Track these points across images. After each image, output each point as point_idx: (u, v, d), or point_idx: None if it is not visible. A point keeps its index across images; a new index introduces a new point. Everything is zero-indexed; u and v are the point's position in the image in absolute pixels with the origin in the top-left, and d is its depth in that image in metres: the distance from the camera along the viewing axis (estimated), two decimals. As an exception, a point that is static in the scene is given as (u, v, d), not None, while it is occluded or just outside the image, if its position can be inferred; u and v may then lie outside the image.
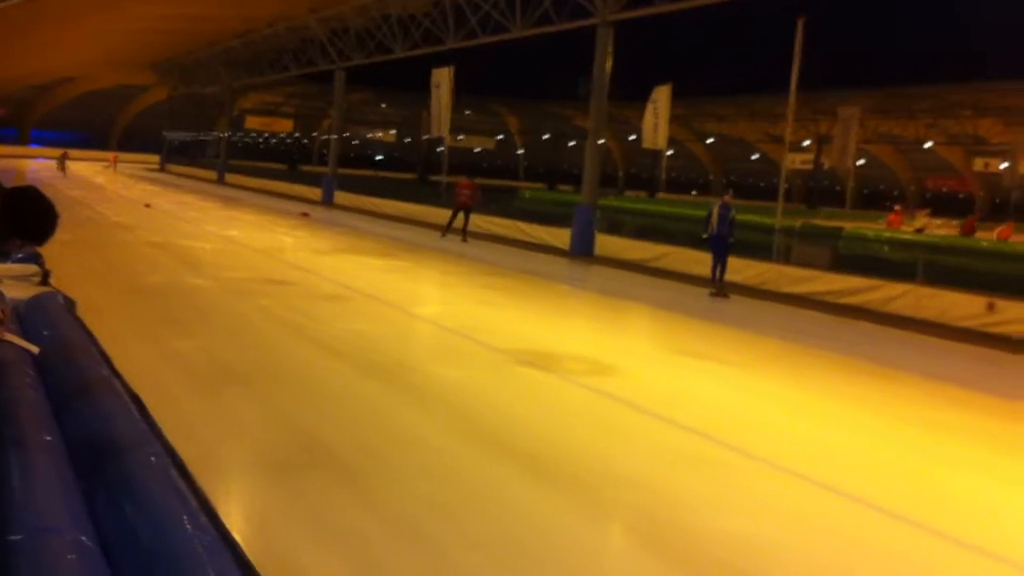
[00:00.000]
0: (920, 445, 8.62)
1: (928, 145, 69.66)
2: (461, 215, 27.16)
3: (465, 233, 26.62)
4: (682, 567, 5.38)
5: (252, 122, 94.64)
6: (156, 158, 77.03)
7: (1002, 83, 52.27)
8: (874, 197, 79.42)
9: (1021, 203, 57.48)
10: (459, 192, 27.03)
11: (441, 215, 32.95)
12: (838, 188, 74.82)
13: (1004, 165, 60.99)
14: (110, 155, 68.77)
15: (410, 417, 8.17)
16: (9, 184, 3.44)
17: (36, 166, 55.77)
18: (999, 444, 8.85)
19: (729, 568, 5.40)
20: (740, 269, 20.27)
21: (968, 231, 37.55)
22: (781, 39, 25.07)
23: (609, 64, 25.73)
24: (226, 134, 65.23)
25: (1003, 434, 9.31)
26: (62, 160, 51.58)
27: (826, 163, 67.35)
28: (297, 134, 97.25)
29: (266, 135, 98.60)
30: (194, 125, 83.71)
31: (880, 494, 6.85)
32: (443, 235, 26.52)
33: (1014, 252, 23.84)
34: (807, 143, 67.43)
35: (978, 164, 72.97)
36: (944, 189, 78.91)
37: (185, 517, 2.26)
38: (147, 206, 31.67)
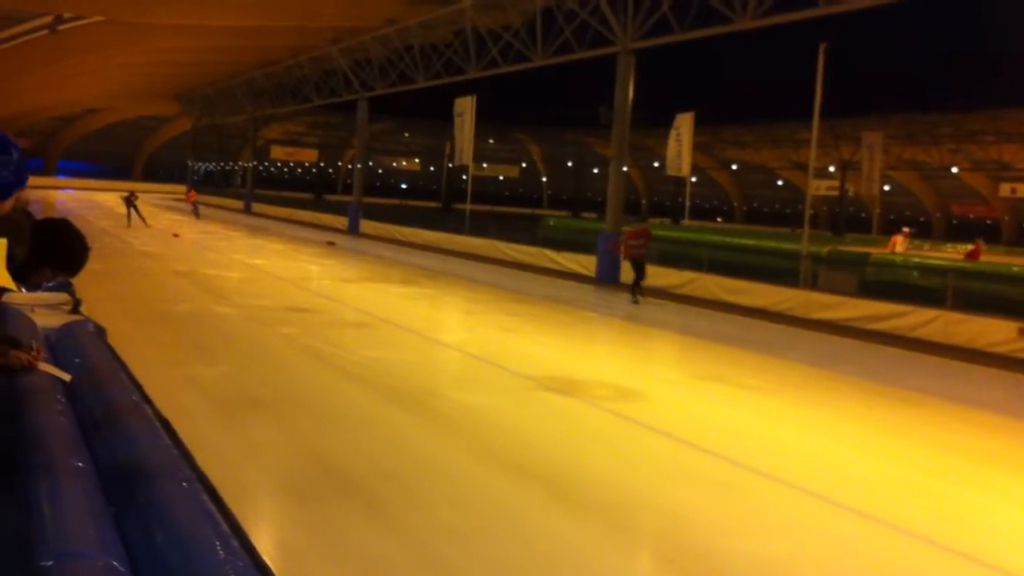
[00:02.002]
0: (944, 468, 8.53)
1: (954, 171, 69.28)
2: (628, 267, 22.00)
3: (636, 289, 20.83)
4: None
5: (277, 152, 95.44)
6: (182, 188, 77.69)
7: (1018, 111, 52.05)
8: (900, 223, 78.98)
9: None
10: (626, 244, 21.43)
11: (465, 243, 33.05)
12: (863, 215, 74.51)
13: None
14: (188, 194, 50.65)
15: (432, 443, 8.16)
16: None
17: (63, 197, 56.36)
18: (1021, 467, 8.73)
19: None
20: (768, 295, 20.19)
21: (974, 256, 37.12)
22: (802, 65, 25.08)
23: (630, 91, 25.81)
24: (251, 163, 65.76)
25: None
26: (130, 201, 35.14)
27: (851, 189, 67.11)
28: (322, 163, 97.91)
29: (291, 164, 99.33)
30: (218, 155, 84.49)
31: (903, 516, 6.79)
32: (634, 300, 20.57)
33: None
34: (831, 169, 67.21)
35: (1004, 189, 72.50)
36: (971, 216, 78.41)
37: (217, 543, 2.25)
38: (176, 236, 31.91)
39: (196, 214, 45.83)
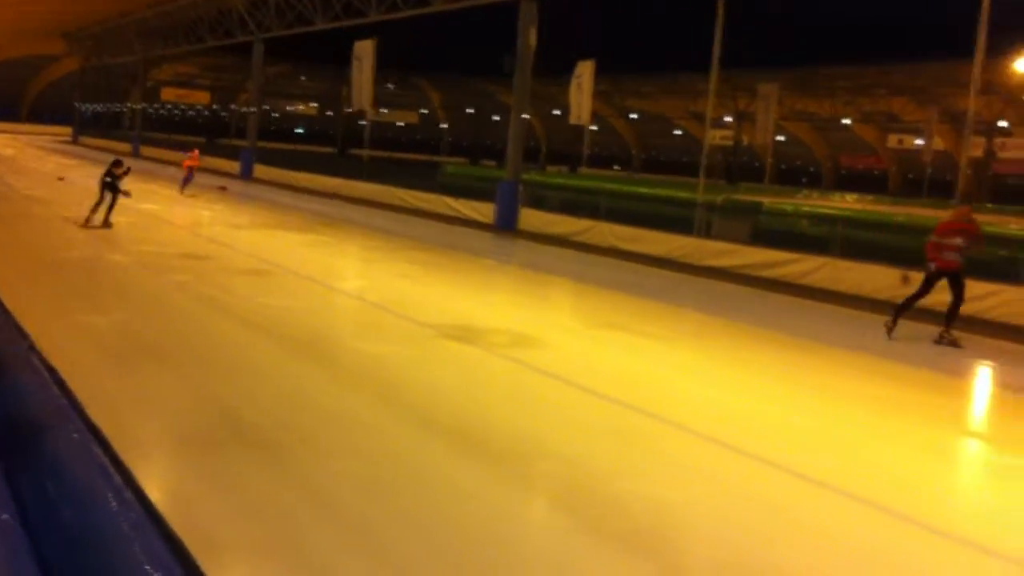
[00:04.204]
0: (831, 413, 8.83)
1: (845, 122, 70.99)
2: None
3: (950, 320, 12.83)
4: (603, 533, 5.44)
5: (167, 94, 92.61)
6: (68, 130, 74.90)
7: (912, 64, 53.61)
8: (792, 173, 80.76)
9: (934, 178, 58.94)
10: (939, 244, 12.77)
11: (363, 190, 32.67)
12: (757, 164, 75.92)
13: (918, 141, 62.42)
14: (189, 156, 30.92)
15: (332, 393, 8.12)
16: None
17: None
18: (911, 411, 9.09)
19: (650, 532, 5.49)
20: (663, 243, 20.49)
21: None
22: (702, 16, 25.31)
23: (533, 39, 25.70)
24: (140, 106, 63.70)
25: (909, 401, 9.56)
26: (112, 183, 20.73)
27: (746, 139, 68.26)
28: (214, 106, 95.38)
29: (182, 107, 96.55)
30: (107, 97, 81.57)
31: (796, 460, 7.01)
32: (943, 339, 12.72)
33: (928, 227, 24.48)
34: (728, 119, 68.22)
35: (892, 141, 74.60)
36: (860, 166, 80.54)
37: (110, 495, 2.22)
38: (60, 179, 30.80)
39: (186, 182, 29.18)
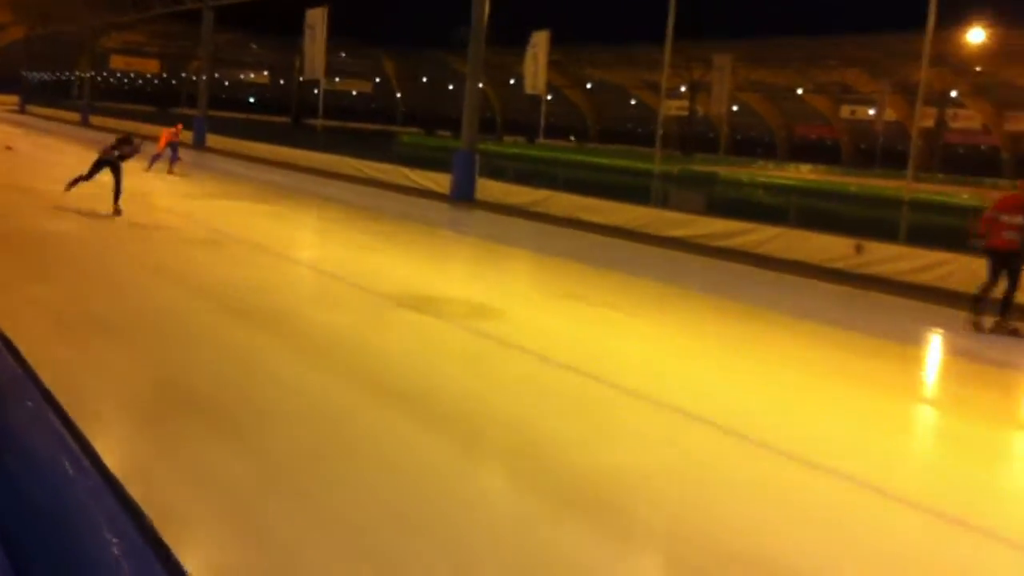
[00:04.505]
0: (788, 381, 8.93)
1: (798, 92, 71.48)
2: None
3: (1007, 309, 11.76)
4: (561, 501, 5.46)
5: (116, 62, 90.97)
6: (14, 99, 73.39)
7: (863, 35, 54.07)
8: (746, 143, 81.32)
9: (887, 149, 59.63)
10: (993, 221, 11.76)
11: (317, 159, 32.38)
12: (711, 135, 76.29)
13: (871, 112, 63.04)
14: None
15: (287, 363, 8.05)
16: None
17: None
18: (864, 379, 9.21)
19: (605, 501, 5.52)
20: (620, 213, 20.53)
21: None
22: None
23: (487, 8, 25.52)
24: (89, 74, 62.54)
25: (867, 369, 9.69)
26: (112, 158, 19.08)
27: (701, 110, 68.52)
28: (164, 75, 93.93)
29: (132, 75, 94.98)
30: (55, 65, 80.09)
31: (752, 427, 7.07)
32: (976, 319, 11.81)
33: (881, 197, 24.80)
34: (683, 89, 68.40)
35: (845, 111, 75.31)
36: (813, 136, 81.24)
37: (67, 462, 2.17)
38: (8, 148, 30.20)
39: (172, 160, 25.64)
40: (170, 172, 25.18)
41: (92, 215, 16.20)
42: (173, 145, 25.64)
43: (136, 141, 16.84)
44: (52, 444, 2.29)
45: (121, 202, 15.97)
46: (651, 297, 13.26)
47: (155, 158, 25.08)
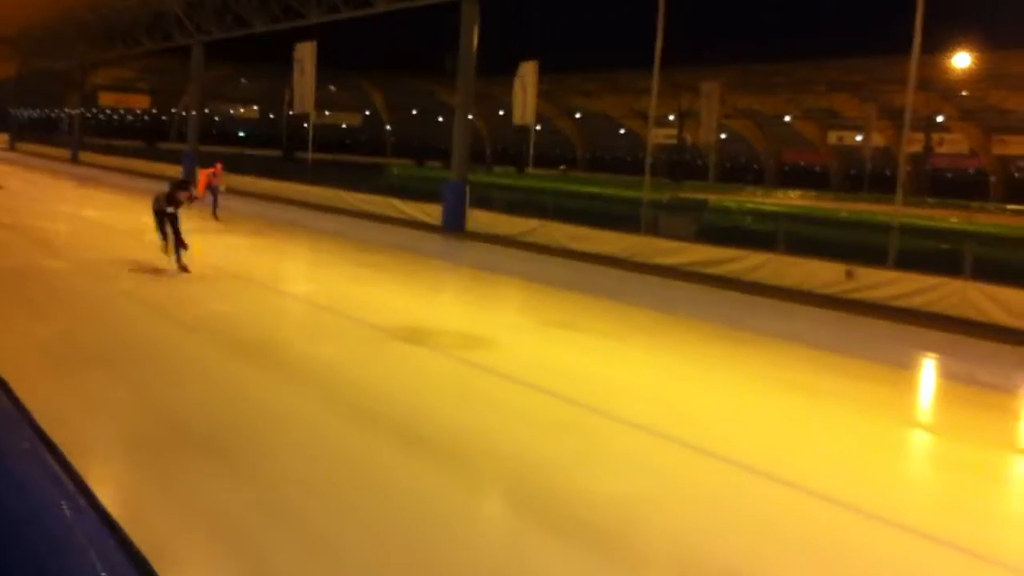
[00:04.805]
0: (781, 406, 8.95)
1: (786, 119, 71.84)
2: None
3: None
4: (555, 529, 5.46)
5: (106, 98, 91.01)
6: (4, 137, 73.40)
7: (846, 60, 54.45)
8: (735, 170, 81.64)
9: (874, 174, 59.94)
10: None
11: (308, 192, 32.49)
12: (700, 162, 76.60)
13: (858, 138, 63.40)
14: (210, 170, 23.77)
15: (281, 396, 8.05)
16: None
17: None
18: (858, 403, 9.22)
19: (599, 527, 5.52)
20: (611, 241, 20.58)
21: None
22: (642, 14, 25.44)
23: (475, 39, 25.68)
24: (78, 111, 62.64)
25: (859, 393, 9.70)
26: (167, 207, 14.81)
27: (689, 138, 68.79)
28: (154, 110, 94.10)
29: (121, 111, 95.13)
30: (44, 102, 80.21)
31: (743, 452, 7.08)
32: None
33: (870, 221, 24.92)
34: (671, 117, 68.72)
35: (832, 137, 75.67)
36: (801, 162, 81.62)
37: (63, 502, 2.16)
38: (-2, 187, 30.23)
39: (213, 205, 23.08)
40: (215, 218, 22.57)
41: (82, 251, 16.17)
42: (213, 189, 22.72)
43: (193, 190, 14.79)
44: (48, 484, 2.28)
45: (186, 257, 14.02)
46: (642, 324, 13.28)
47: (192, 201, 21.87)
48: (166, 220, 13.88)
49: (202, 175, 22.71)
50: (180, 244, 13.91)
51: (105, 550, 2.06)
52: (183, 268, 13.95)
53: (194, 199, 14.43)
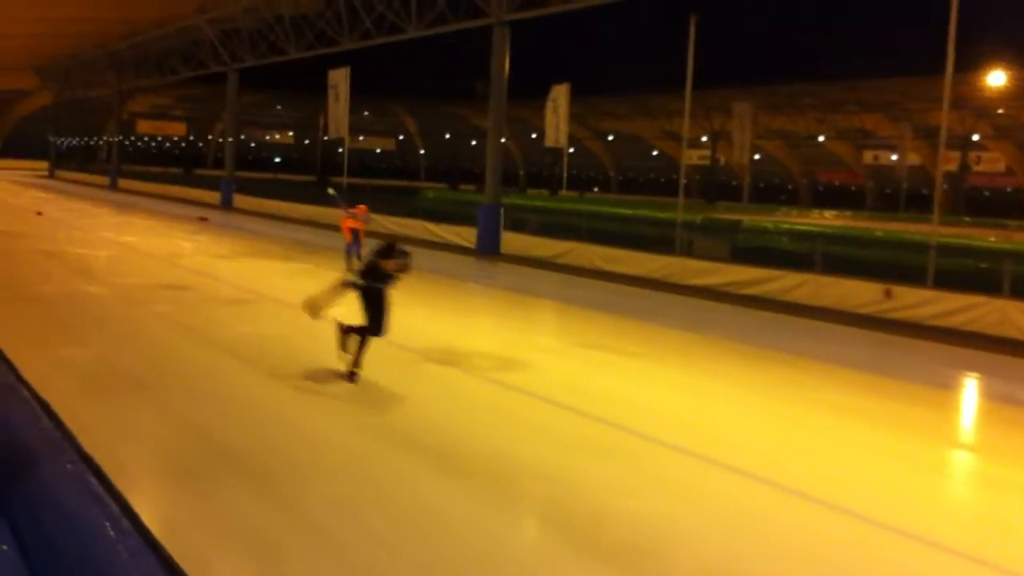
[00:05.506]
0: (818, 426, 8.86)
1: (820, 139, 71.53)
2: None
3: None
4: (589, 549, 5.45)
5: (143, 126, 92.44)
6: (44, 164, 74.55)
7: (878, 80, 54.26)
8: (769, 191, 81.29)
9: (910, 193, 59.50)
10: None
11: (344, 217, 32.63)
12: (734, 183, 76.35)
13: (894, 157, 62.99)
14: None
15: (317, 418, 8.09)
16: None
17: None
18: (897, 424, 9.12)
19: (634, 547, 5.50)
20: (643, 263, 20.54)
21: None
22: (673, 36, 25.51)
23: (506, 63, 25.81)
24: (116, 138, 63.54)
25: (895, 414, 9.59)
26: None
27: (722, 158, 68.66)
28: (191, 137, 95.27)
29: (159, 139, 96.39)
30: (81, 130, 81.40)
31: (781, 473, 7.03)
32: None
33: (907, 241, 24.70)
34: (704, 139, 68.64)
35: (867, 157, 75.23)
36: (836, 182, 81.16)
37: (107, 524, 2.19)
38: (39, 214, 30.66)
39: (356, 252, 18.39)
40: (349, 268, 16.63)
41: (122, 277, 16.34)
42: (355, 235, 18.94)
43: (411, 259, 10.02)
44: (92, 505, 2.31)
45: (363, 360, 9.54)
46: (677, 346, 13.23)
47: (350, 252, 18.68)
48: (367, 299, 9.68)
49: (346, 221, 19.14)
50: (367, 331, 9.59)
51: (147, 569, 2.09)
52: (352, 376, 9.41)
53: (407, 269, 9.94)
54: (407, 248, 10.16)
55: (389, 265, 9.80)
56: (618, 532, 5.74)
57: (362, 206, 19.62)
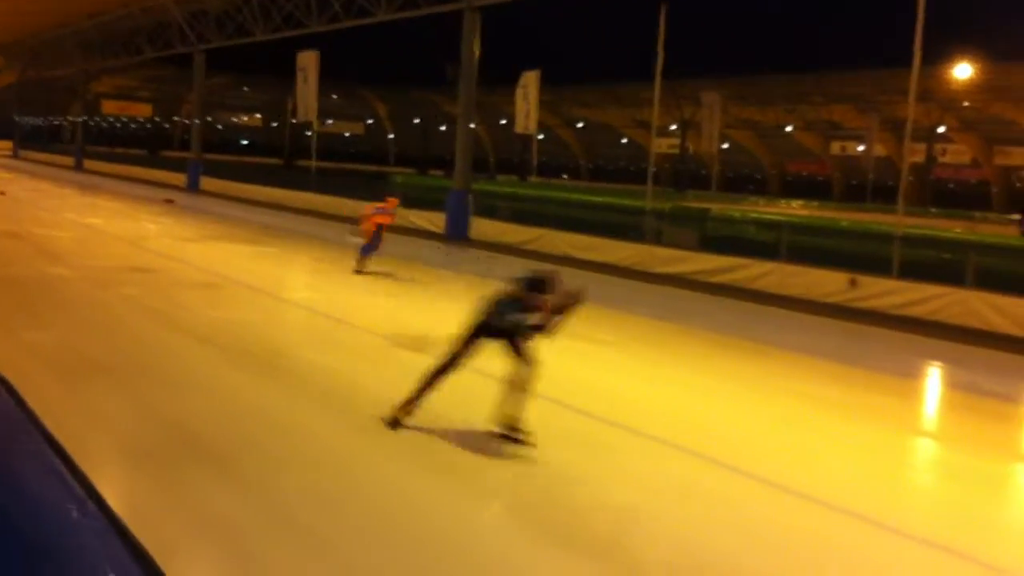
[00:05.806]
0: (785, 415, 8.93)
1: (788, 130, 71.96)
2: None
3: None
4: (564, 542, 5.44)
5: (109, 107, 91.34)
6: (8, 144, 73.56)
7: (846, 73, 54.74)
8: (738, 180, 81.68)
9: (877, 184, 59.97)
10: None
11: (310, 200, 32.53)
12: (703, 172, 76.61)
13: (860, 148, 63.43)
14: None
15: (285, 404, 8.03)
16: None
17: None
18: (862, 412, 9.20)
19: (611, 541, 5.50)
20: (613, 250, 20.58)
21: None
22: (644, 26, 25.54)
23: (477, 49, 25.72)
24: (81, 119, 62.79)
25: (863, 403, 9.68)
26: None
27: (692, 147, 68.85)
28: (156, 118, 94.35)
29: (124, 119, 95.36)
30: (46, 110, 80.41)
31: (744, 461, 7.08)
32: None
33: (873, 231, 24.92)
34: (673, 127, 68.80)
35: (835, 148, 75.71)
36: (804, 172, 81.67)
37: (72, 506, 2.16)
38: (1, 194, 30.25)
39: (365, 251, 16.77)
40: (357, 271, 16.68)
41: (87, 259, 16.18)
42: (377, 232, 16.87)
43: (569, 298, 7.90)
44: (56, 488, 2.28)
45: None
46: (647, 334, 13.27)
47: (366, 250, 16.89)
48: (514, 344, 7.60)
49: (372, 216, 16.90)
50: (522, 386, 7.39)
51: (111, 549, 2.06)
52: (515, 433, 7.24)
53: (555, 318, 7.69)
54: (562, 285, 7.80)
55: (534, 302, 7.57)
56: (593, 525, 5.77)
57: (393, 198, 17.74)
